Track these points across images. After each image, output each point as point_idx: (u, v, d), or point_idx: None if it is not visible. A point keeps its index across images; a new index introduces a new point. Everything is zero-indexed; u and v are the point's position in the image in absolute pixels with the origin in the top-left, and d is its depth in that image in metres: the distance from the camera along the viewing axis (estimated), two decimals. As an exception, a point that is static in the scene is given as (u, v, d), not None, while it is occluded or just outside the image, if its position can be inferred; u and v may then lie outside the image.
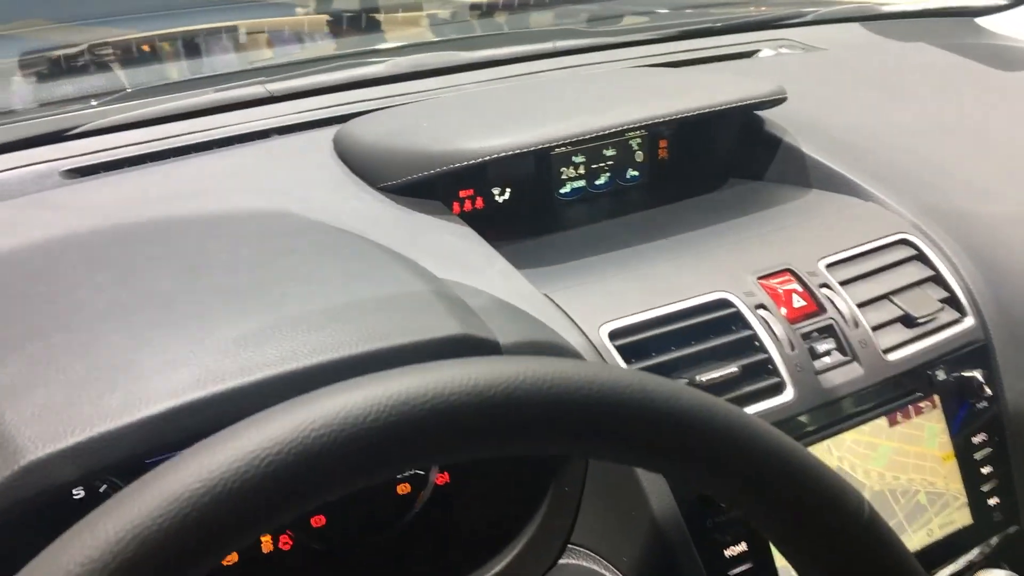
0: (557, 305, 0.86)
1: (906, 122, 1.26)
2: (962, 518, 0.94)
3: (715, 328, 0.88)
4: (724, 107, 1.08)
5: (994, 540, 0.96)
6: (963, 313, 0.99)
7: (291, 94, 1.26)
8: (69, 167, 1.05)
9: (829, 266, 0.96)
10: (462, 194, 1.09)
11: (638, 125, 1.03)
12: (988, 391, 0.96)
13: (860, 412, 0.90)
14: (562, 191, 1.16)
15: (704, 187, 1.19)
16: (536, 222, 1.12)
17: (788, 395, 0.86)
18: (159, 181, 1.00)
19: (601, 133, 1.01)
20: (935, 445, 0.94)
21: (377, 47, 1.52)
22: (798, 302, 0.91)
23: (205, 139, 1.13)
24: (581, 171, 1.17)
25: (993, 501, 0.96)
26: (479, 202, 1.11)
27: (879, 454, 0.90)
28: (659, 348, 0.85)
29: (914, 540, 0.91)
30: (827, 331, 0.91)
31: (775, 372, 0.87)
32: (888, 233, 1.02)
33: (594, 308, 0.86)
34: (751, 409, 0.85)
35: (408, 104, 1.16)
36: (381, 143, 1.01)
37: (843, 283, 0.95)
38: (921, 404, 0.93)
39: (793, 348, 0.88)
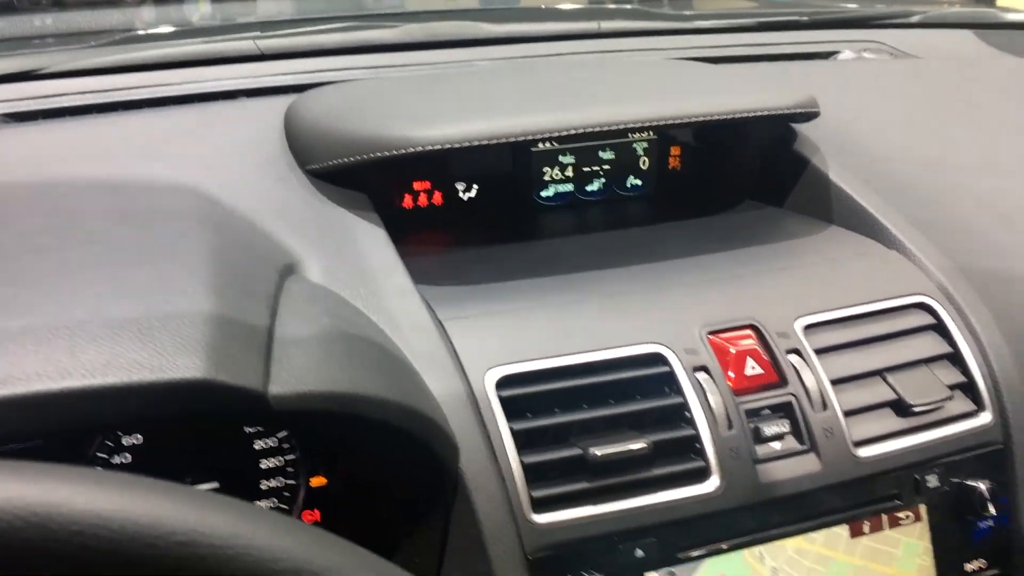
0: (447, 338, 0.72)
1: (984, 157, 1.04)
2: (934, 658, 0.75)
3: (640, 389, 0.72)
4: (731, 116, 0.90)
5: None
6: (980, 406, 0.79)
7: (284, 53, 1.15)
8: (7, 111, 0.98)
9: (808, 327, 0.77)
10: (416, 186, 0.96)
11: (620, 127, 0.87)
12: (994, 509, 0.76)
13: (812, 516, 0.73)
14: (543, 194, 1.01)
15: (715, 208, 1.01)
16: (508, 228, 0.97)
17: (712, 484, 0.70)
18: (85, 136, 0.91)
19: (578, 132, 0.85)
20: (912, 568, 0.75)
21: (391, 11, 1.39)
22: (752, 369, 0.74)
23: (162, 95, 1.03)
24: (568, 173, 1.01)
25: (981, 641, 0.77)
26: (438, 197, 0.97)
27: (832, 571, 0.73)
28: (559, 405, 0.70)
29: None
30: (783, 410, 0.73)
31: (701, 454, 0.70)
32: (902, 293, 0.82)
33: (491, 347, 0.71)
34: (663, 495, 0.69)
35: (374, 78, 1.02)
36: (317, 120, 0.88)
37: (821, 351, 0.76)
38: (900, 515, 0.75)
39: (731, 426, 0.71)
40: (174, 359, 0.50)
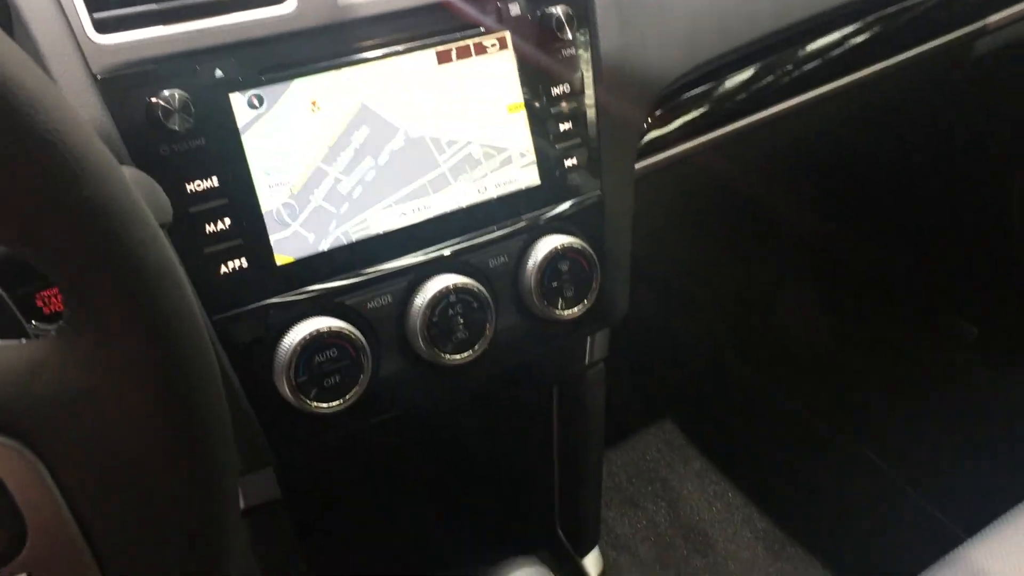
0: None
1: None
2: (527, 178, 0.83)
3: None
4: None
5: (567, 206, 0.86)
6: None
7: None
8: None
9: None
10: None
11: None
12: (572, 34, 0.82)
13: (395, 42, 0.76)
14: None
15: None
16: None
17: (289, 7, 0.71)
18: None
19: None
20: (499, 92, 0.81)
21: None
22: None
23: None
24: None
25: (570, 162, 0.85)
26: None
27: (420, 96, 0.77)
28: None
29: (461, 195, 0.80)
30: (361, -60, 0.75)
31: (276, -14, 0.71)
32: None
33: None
34: (237, 17, 0.70)
35: None
36: None
37: None
38: (485, 42, 0.80)
39: (307, -48, 0.72)
40: None
